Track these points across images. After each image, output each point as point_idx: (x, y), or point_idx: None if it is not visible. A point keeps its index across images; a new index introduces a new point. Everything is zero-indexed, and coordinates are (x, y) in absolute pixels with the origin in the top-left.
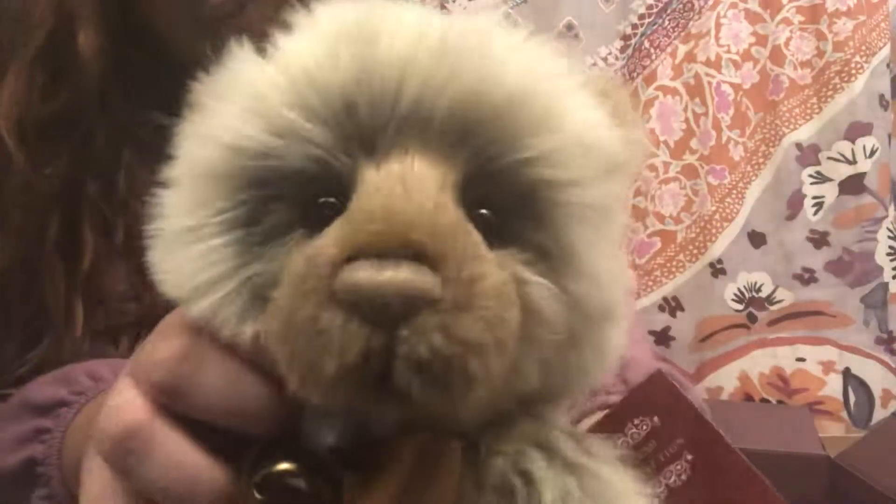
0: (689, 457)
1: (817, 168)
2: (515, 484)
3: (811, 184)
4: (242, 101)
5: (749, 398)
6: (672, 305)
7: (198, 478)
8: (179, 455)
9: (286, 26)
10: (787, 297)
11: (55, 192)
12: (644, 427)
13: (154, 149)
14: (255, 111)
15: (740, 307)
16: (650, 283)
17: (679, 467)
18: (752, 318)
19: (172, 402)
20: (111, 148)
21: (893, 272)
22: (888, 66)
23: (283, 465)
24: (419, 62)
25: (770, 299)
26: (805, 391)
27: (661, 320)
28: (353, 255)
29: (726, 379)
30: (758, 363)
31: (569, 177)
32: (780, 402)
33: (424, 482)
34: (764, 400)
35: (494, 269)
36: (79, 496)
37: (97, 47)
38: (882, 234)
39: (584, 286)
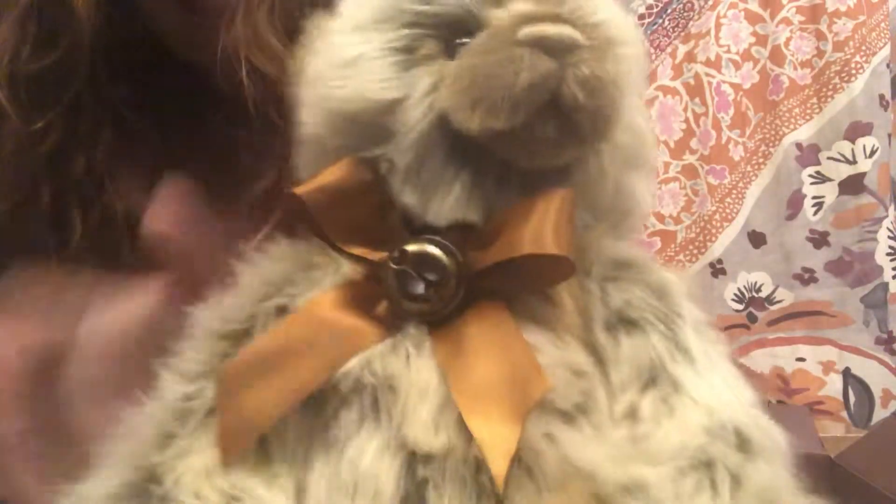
0: None
1: (817, 168)
2: (625, 259)
3: (811, 184)
4: None
5: None
6: None
7: None
8: None
9: None
10: (787, 297)
11: (46, 162)
12: None
13: (133, 129)
14: None
15: (740, 307)
16: None
17: None
18: (752, 318)
19: None
20: (94, 123)
21: (893, 272)
22: (888, 66)
23: (414, 247)
24: None
25: (770, 299)
26: (805, 391)
27: None
28: (525, 21)
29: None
30: (758, 363)
31: (619, 35)
32: (780, 401)
33: (556, 215)
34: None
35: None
36: None
37: (92, 4)
38: (882, 234)
39: (624, 136)
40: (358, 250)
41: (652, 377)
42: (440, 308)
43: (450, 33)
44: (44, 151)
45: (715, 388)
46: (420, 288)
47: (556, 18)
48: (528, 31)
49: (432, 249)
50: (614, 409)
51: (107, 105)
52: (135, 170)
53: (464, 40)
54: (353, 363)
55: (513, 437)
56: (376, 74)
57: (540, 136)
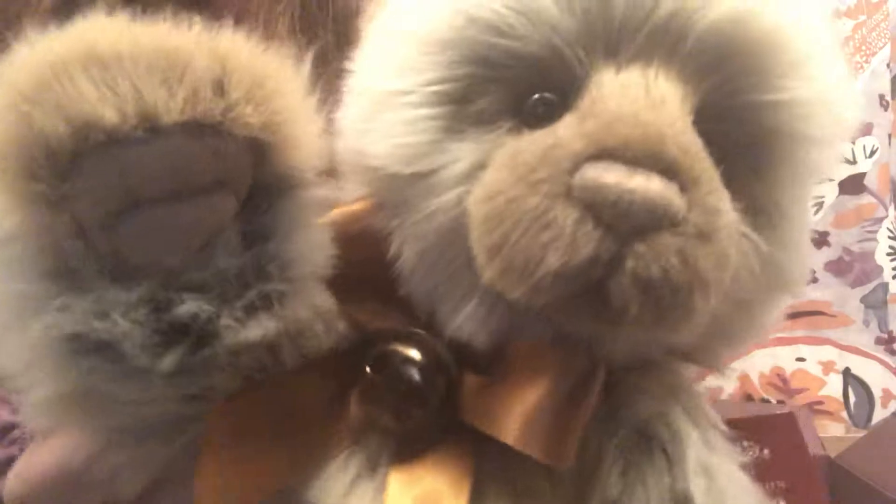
0: None
1: None
2: (660, 433)
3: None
4: None
5: (749, 398)
6: None
7: None
8: None
9: None
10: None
11: None
12: (751, 453)
13: None
14: None
15: None
16: None
17: None
18: None
19: None
20: None
21: (893, 272)
22: (888, 66)
23: (402, 349)
24: None
25: None
26: (805, 391)
27: None
28: (598, 154)
29: (726, 379)
30: (758, 363)
31: (810, 133)
32: (780, 401)
33: (565, 399)
34: (764, 400)
35: (729, 205)
36: None
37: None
38: (882, 234)
39: (785, 254)
40: (358, 310)
41: None
42: (412, 428)
43: (525, 83)
44: None
45: None
46: (395, 398)
47: (654, 158)
48: (591, 176)
49: (419, 358)
50: None
51: None
52: None
53: (545, 95)
54: None
55: None
56: (409, 135)
57: (566, 321)
